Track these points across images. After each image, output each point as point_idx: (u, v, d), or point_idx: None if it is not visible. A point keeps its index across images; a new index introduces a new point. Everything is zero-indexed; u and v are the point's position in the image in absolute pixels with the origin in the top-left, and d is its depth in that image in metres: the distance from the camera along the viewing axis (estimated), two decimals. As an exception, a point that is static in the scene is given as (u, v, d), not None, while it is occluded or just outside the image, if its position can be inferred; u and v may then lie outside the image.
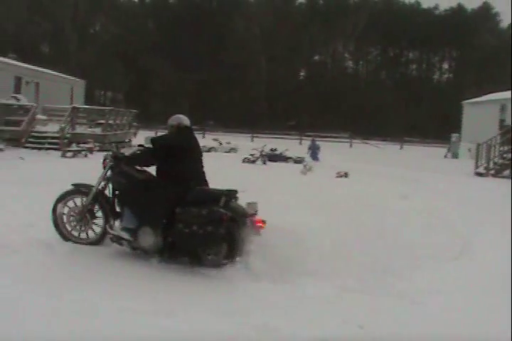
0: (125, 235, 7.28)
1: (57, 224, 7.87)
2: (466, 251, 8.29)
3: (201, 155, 7.91)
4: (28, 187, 11.94)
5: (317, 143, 32.54)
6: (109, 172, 7.74)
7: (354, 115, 70.58)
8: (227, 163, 24.92)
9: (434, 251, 8.44)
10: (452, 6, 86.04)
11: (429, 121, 70.93)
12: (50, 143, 25.99)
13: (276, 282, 6.39)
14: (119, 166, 7.58)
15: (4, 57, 31.50)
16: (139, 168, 7.71)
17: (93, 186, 7.75)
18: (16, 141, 25.69)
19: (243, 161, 27.55)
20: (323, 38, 79.13)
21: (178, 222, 6.91)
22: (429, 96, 74.40)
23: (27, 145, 25.87)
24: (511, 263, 6.51)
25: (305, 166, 22.87)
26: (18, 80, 30.42)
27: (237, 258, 6.81)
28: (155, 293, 5.87)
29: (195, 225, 6.80)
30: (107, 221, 7.60)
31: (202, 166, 7.81)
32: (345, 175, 21.14)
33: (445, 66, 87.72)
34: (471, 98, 43.92)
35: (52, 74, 35.76)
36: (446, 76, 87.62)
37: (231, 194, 7.26)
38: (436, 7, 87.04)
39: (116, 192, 7.65)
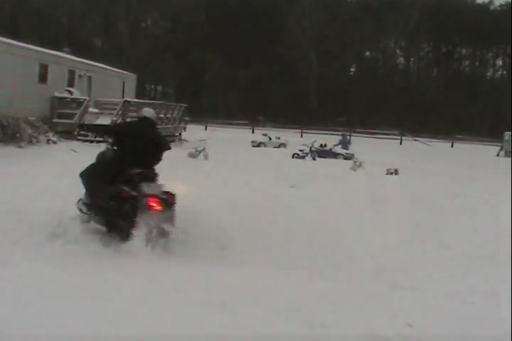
0: (84, 209, 7.97)
1: None
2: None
3: (153, 144, 8.10)
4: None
5: (348, 137, 32.39)
6: None
7: (405, 112, 69.85)
8: (277, 158, 24.92)
9: (487, 252, 8.31)
10: (508, 0, 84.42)
11: (482, 118, 69.85)
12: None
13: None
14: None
15: (59, 51, 31.92)
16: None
17: None
18: (68, 134, 26.07)
19: (293, 156, 27.52)
20: (375, 34, 78.44)
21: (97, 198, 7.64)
22: (482, 93, 73.10)
23: (79, 137, 26.23)
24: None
25: (355, 162, 22.74)
26: (72, 74, 30.79)
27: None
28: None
29: (105, 201, 7.46)
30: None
31: (150, 154, 8.01)
32: (396, 172, 20.98)
33: (499, 62, 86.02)
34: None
35: (105, 68, 36.12)
36: (499, 73, 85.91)
37: (145, 175, 7.63)
38: (490, 2, 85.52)
39: None
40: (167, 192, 7.47)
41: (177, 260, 6.84)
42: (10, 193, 10.25)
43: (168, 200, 7.38)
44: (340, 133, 34.98)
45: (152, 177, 7.84)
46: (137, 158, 7.85)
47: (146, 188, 7.39)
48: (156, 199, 7.28)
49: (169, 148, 8.58)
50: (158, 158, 8.18)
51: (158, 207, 7.24)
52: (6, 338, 4.20)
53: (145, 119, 8.44)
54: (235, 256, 7.28)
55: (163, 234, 7.26)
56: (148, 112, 8.62)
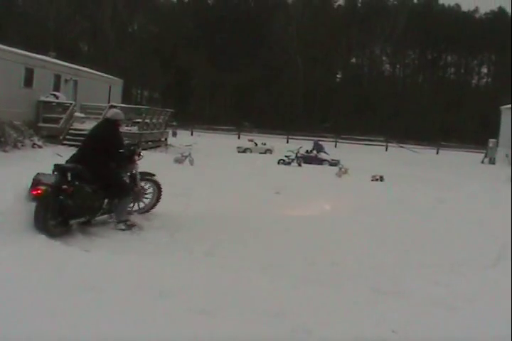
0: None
1: None
2: (504, 257, 8.15)
3: (99, 144, 8.97)
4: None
5: (320, 143, 32.47)
6: None
7: (390, 118, 70.15)
8: (263, 164, 24.95)
9: (472, 257, 8.37)
10: (493, 9, 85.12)
11: (467, 125, 70.21)
12: (87, 141, 26.16)
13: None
14: None
15: (45, 55, 31.81)
16: None
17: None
18: (54, 138, 25.97)
19: (278, 163, 27.56)
20: (361, 40, 78.81)
21: None
22: (467, 100, 73.57)
23: (65, 142, 26.13)
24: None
25: (340, 169, 22.81)
26: (58, 78, 30.69)
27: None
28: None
29: None
30: None
31: (94, 152, 8.87)
32: (381, 178, 21.07)
33: (484, 70, 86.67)
34: (509, 103, 43.27)
35: (91, 72, 36.05)
36: (484, 80, 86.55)
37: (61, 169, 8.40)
38: (476, 10, 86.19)
39: None
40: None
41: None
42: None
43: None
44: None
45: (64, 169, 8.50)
46: (82, 155, 8.98)
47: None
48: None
49: (118, 149, 9.15)
50: (102, 156, 8.86)
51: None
52: None
53: (103, 120, 9.70)
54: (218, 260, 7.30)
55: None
56: (109, 113, 9.57)
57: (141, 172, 9.96)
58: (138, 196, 9.92)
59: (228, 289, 6.00)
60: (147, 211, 10.18)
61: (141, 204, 10.21)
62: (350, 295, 6.12)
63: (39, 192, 7.77)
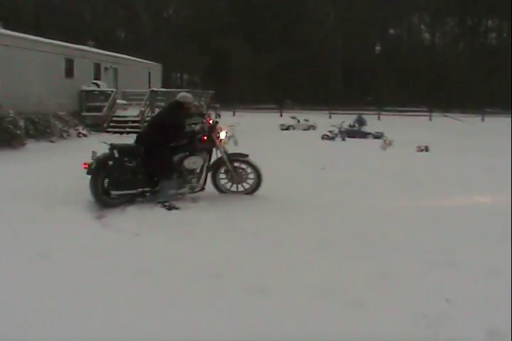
0: None
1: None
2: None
3: (157, 124, 9.94)
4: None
5: (363, 117, 31.84)
6: None
7: (433, 88, 69.05)
8: (306, 140, 24.90)
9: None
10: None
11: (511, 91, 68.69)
12: (131, 127, 26.48)
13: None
14: None
15: (83, 44, 32.11)
16: None
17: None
18: (98, 127, 26.32)
19: (322, 138, 27.49)
20: (398, 11, 77.47)
21: None
22: (510, 65, 71.88)
23: (109, 129, 26.45)
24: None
25: (385, 141, 22.66)
26: (98, 67, 30.99)
27: None
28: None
29: None
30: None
31: (150, 131, 9.85)
32: (426, 149, 20.87)
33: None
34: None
35: (130, 59, 36.25)
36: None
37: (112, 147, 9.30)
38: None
39: None
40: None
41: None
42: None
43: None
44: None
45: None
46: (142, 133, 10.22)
47: None
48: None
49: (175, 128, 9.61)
50: (156, 134, 9.46)
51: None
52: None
53: (173, 102, 10.27)
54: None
55: None
56: (178, 95, 10.19)
57: (233, 154, 10.33)
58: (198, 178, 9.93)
59: (281, 267, 6.06)
60: (250, 193, 10.38)
61: (241, 187, 10.44)
62: (402, 268, 6.11)
63: (85, 166, 8.96)
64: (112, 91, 28.56)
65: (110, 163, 9.08)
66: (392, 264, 6.19)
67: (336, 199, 10.02)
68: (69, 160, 13.74)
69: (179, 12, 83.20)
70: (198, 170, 9.95)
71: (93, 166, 8.95)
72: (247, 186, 10.41)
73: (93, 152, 9.11)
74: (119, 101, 29.16)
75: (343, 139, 27.24)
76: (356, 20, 72.20)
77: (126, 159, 9.19)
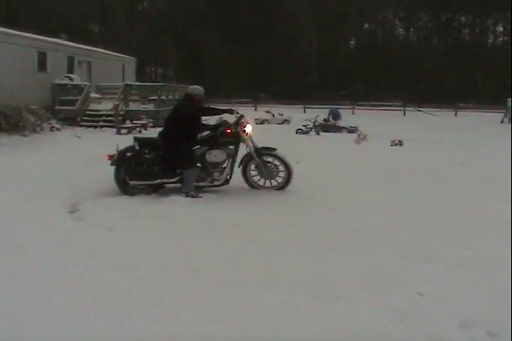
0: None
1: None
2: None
3: (173, 117, 10.05)
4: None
5: (337, 110, 32.08)
6: None
7: (406, 82, 69.45)
8: (281, 134, 24.90)
9: (496, 218, 8.33)
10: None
11: (484, 86, 69.28)
12: (104, 121, 26.37)
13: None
14: None
15: (56, 37, 31.80)
16: None
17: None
18: (71, 120, 26.14)
19: (296, 132, 27.52)
20: (373, 6, 77.64)
21: None
22: (483, 60, 72.48)
23: (82, 123, 26.29)
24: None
25: (359, 135, 22.75)
26: (71, 60, 30.74)
27: None
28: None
29: None
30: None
31: (168, 124, 10.12)
32: (400, 143, 20.98)
33: (499, 29, 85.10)
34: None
35: (104, 52, 36.00)
36: (501, 39, 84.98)
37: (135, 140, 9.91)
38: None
39: None
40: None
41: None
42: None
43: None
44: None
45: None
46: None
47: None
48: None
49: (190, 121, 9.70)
50: (173, 127, 9.71)
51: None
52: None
53: (185, 95, 10.42)
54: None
55: None
56: (188, 88, 10.34)
57: (261, 148, 10.41)
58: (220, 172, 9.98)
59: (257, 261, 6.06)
60: (280, 188, 10.35)
61: (274, 182, 10.43)
62: (377, 262, 6.13)
63: (109, 158, 9.64)
64: (86, 85, 28.36)
65: (128, 154, 9.67)
66: (367, 258, 6.22)
67: (310, 193, 10.03)
68: (42, 154, 13.63)
69: (154, 5, 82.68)
70: (221, 164, 9.96)
71: (115, 158, 9.61)
72: (279, 180, 10.39)
73: (117, 144, 9.71)
74: (92, 95, 28.97)
75: (318, 133, 27.29)
76: (331, 15, 72.25)
77: (146, 151, 9.69)
